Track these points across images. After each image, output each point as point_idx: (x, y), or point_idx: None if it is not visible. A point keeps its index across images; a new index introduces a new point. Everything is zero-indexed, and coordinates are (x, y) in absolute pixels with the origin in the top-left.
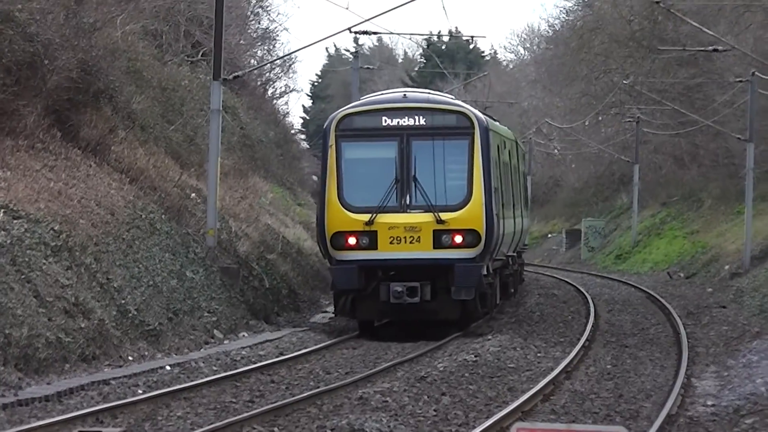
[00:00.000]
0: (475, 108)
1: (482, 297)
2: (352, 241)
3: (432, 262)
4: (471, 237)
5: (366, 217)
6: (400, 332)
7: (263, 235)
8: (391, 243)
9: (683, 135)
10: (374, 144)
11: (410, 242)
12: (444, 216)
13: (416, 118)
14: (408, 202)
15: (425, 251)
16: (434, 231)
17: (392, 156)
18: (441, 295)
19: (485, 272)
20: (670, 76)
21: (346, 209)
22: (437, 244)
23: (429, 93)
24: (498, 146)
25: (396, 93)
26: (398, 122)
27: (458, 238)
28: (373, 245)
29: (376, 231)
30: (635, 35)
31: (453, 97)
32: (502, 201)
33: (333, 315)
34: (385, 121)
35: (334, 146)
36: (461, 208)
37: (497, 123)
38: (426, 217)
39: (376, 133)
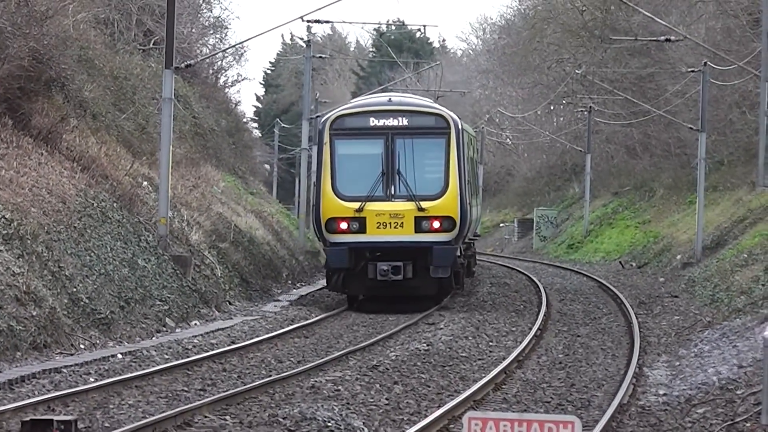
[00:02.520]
0: (429, 97)
1: (456, 274)
2: (344, 225)
3: (413, 245)
4: (447, 223)
5: (356, 205)
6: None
7: (215, 223)
8: (378, 228)
9: (635, 125)
10: (363, 141)
11: (395, 227)
12: (424, 204)
13: (400, 119)
14: (393, 192)
15: (408, 235)
16: (415, 217)
17: (379, 152)
18: (421, 273)
19: (458, 253)
20: (622, 65)
21: (339, 198)
22: (418, 229)
23: (411, 97)
24: (466, 143)
25: (382, 97)
26: (384, 123)
27: (436, 224)
28: (362, 229)
29: (365, 217)
30: (587, 25)
31: (432, 100)
32: (471, 191)
33: (292, 298)
34: (373, 121)
35: (328, 143)
36: (439, 198)
37: (460, 120)
38: (408, 206)
39: (365, 132)
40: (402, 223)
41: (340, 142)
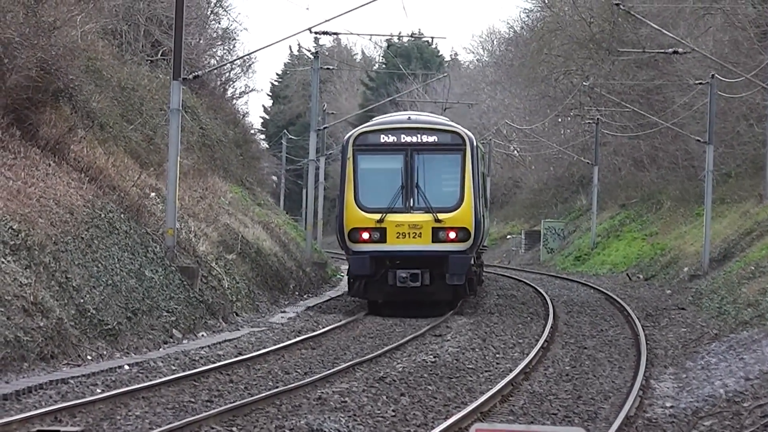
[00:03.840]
0: (435, 109)
1: (470, 282)
2: (365, 235)
3: (431, 254)
4: (463, 233)
5: (377, 216)
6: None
7: (222, 234)
8: (397, 237)
9: (642, 137)
10: (384, 157)
11: (413, 237)
12: (441, 216)
13: (419, 136)
14: (412, 204)
15: (425, 245)
16: (433, 228)
17: (399, 167)
18: (437, 280)
19: (472, 262)
20: (629, 78)
21: (361, 209)
22: (435, 239)
23: (429, 115)
24: (479, 159)
25: (402, 115)
26: (404, 139)
27: (452, 234)
28: (382, 239)
29: (385, 227)
30: (595, 37)
31: (448, 118)
32: (483, 204)
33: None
34: (393, 138)
35: (351, 158)
36: (455, 210)
37: (474, 137)
38: (426, 217)
39: (386, 147)
40: (420, 233)
41: (362, 157)
